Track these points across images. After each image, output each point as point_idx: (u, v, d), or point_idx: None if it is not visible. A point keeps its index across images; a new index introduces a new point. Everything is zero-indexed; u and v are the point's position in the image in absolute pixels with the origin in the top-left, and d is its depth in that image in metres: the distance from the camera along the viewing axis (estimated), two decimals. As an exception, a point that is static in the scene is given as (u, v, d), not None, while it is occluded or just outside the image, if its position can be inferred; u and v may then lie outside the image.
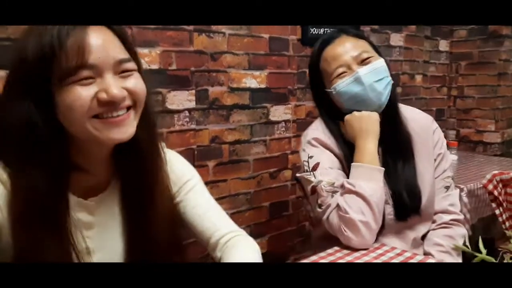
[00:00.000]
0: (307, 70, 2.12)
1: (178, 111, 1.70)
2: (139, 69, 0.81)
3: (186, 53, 1.70)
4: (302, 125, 2.14)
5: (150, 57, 1.60)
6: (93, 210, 0.85)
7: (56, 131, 0.74)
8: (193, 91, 1.74)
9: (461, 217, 1.28)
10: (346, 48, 1.20)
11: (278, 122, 2.06)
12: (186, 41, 1.69)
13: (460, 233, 1.24)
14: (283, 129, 2.09)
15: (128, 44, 0.79)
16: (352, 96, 1.19)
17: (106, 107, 0.75)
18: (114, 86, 0.74)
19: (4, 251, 0.75)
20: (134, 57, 0.80)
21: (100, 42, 0.74)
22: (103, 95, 0.73)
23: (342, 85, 1.19)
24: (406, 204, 1.21)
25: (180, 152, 1.00)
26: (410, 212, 1.21)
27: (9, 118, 0.73)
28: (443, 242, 1.22)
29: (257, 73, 1.94)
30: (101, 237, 0.86)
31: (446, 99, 3.01)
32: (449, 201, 1.28)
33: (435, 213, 1.27)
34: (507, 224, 1.59)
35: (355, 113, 1.20)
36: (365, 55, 1.20)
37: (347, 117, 1.21)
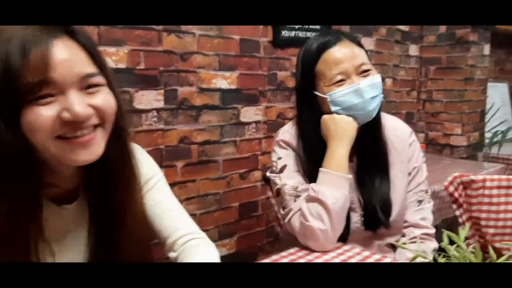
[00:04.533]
0: (278, 72, 2.18)
1: (146, 111, 1.69)
2: (110, 84, 0.76)
3: (154, 53, 1.70)
4: (272, 126, 2.16)
5: (117, 56, 1.59)
6: (65, 216, 0.83)
7: (25, 148, 0.69)
8: (162, 91, 1.74)
9: (432, 231, 1.27)
10: (349, 55, 1.15)
11: (248, 123, 2.07)
12: (155, 41, 1.69)
13: (431, 248, 1.24)
14: (254, 130, 2.10)
15: (97, 57, 0.74)
16: (347, 107, 1.16)
17: (70, 127, 0.70)
18: (78, 104, 0.69)
19: None
20: (103, 71, 0.75)
21: (64, 56, 0.69)
22: (66, 114, 0.69)
23: (340, 94, 1.15)
24: (378, 216, 1.21)
25: (148, 152, 0.99)
26: (380, 224, 1.22)
27: None
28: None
29: (227, 74, 1.95)
30: (67, 242, 0.85)
31: (416, 102, 3.08)
32: (421, 215, 1.27)
33: (407, 226, 1.27)
34: (466, 225, 1.63)
35: (335, 115, 1.18)
36: (365, 67, 1.16)
37: (325, 117, 1.19)
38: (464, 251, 0.52)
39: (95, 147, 0.73)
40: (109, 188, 0.82)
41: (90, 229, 0.87)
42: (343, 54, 1.16)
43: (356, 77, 1.16)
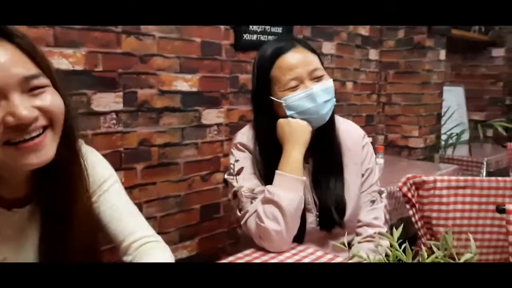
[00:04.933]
0: (239, 75, 2.20)
1: (105, 113, 1.67)
2: (55, 84, 0.75)
3: (113, 55, 1.68)
4: (234, 128, 2.17)
5: (74, 58, 1.56)
6: (18, 220, 0.82)
7: None
8: (121, 93, 1.72)
9: (385, 229, 1.32)
10: (302, 61, 1.19)
11: (210, 126, 2.08)
12: (113, 43, 1.67)
13: (384, 245, 1.29)
14: (215, 132, 2.11)
15: (38, 59, 0.73)
16: (301, 111, 1.19)
17: (16, 131, 0.69)
18: (22, 107, 0.68)
19: None
20: (46, 72, 0.74)
21: (1, 60, 0.68)
22: (10, 119, 0.67)
23: (294, 99, 1.19)
24: (332, 216, 1.24)
25: (107, 155, 0.99)
26: (335, 224, 1.26)
27: None
28: (369, 255, 1.26)
29: (188, 76, 1.95)
30: (18, 247, 0.84)
31: (375, 105, 3.16)
32: (374, 215, 1.31)
33: (361, 226, 1.31)
34: (419, 224, 1.70)
35: (290, 119, 1.21)
36: (318, 73, 1.20)
37: (280, 120, 1.22)
38: (396, 251, 0.56)
39: (45, 149, 0.72)
40: (58, 188, 0.81)
41: (41, 233, 0.86)
42: (296, 60, 1.19)
43: (309, 82, 1.19)
